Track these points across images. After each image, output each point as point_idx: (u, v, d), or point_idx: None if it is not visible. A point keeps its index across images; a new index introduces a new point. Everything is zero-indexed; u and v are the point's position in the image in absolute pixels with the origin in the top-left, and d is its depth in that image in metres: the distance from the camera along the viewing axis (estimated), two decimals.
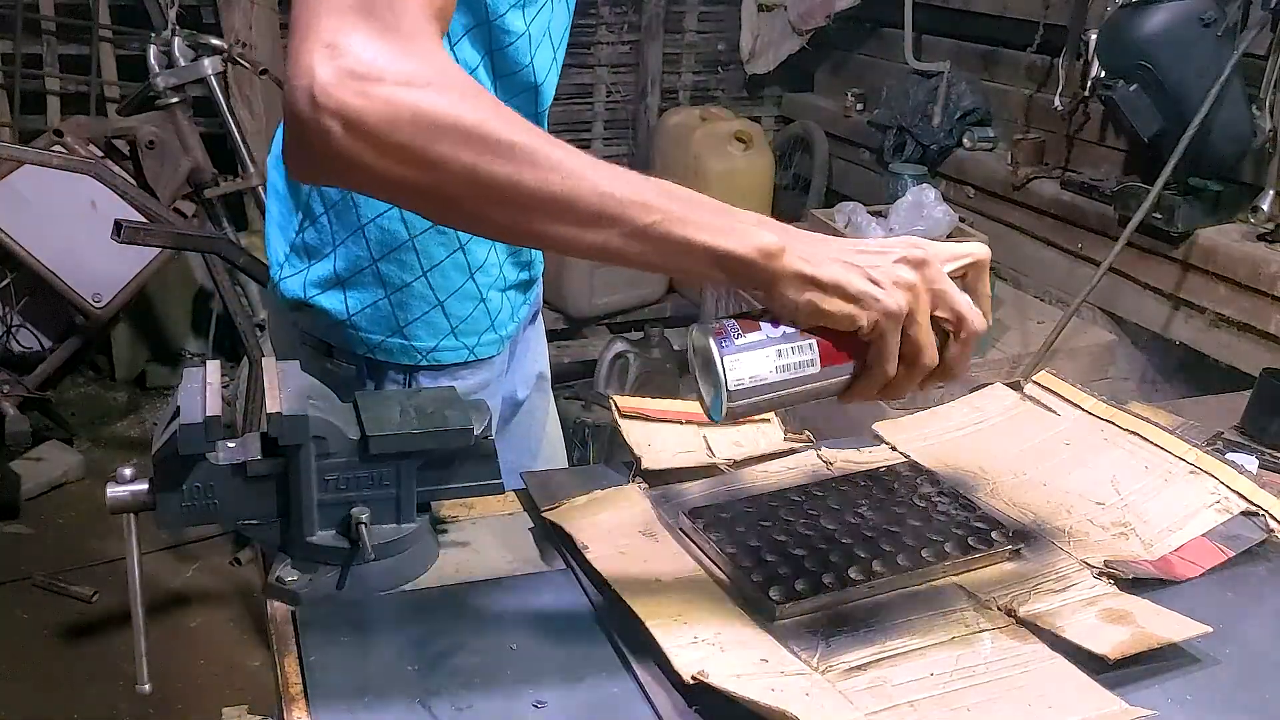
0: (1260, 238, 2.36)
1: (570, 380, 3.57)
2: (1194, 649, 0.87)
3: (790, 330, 0.81)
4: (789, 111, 4.37)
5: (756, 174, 3.90)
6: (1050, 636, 0.86)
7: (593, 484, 1.08)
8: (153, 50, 2.90)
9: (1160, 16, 2.31)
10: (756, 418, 1.17)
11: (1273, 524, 1.03)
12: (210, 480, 0.88)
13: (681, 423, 1.15)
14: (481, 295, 1.18)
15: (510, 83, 1.10)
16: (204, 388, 0.89)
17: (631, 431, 1.12)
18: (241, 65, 3.05)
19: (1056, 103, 2.85)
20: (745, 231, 0.79)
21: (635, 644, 0.85)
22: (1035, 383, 1.26)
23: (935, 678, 0.81)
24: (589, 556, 0.94)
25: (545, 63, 1.12)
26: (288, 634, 0.87)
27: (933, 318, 0.83)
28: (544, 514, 1.02)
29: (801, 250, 0.80)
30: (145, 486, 0.88)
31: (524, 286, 1.27)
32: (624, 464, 1.13)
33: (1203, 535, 1.00)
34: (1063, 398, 1.22)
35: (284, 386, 0.90)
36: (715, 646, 0.83)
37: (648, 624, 0.84)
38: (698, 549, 0.98)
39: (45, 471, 3.16)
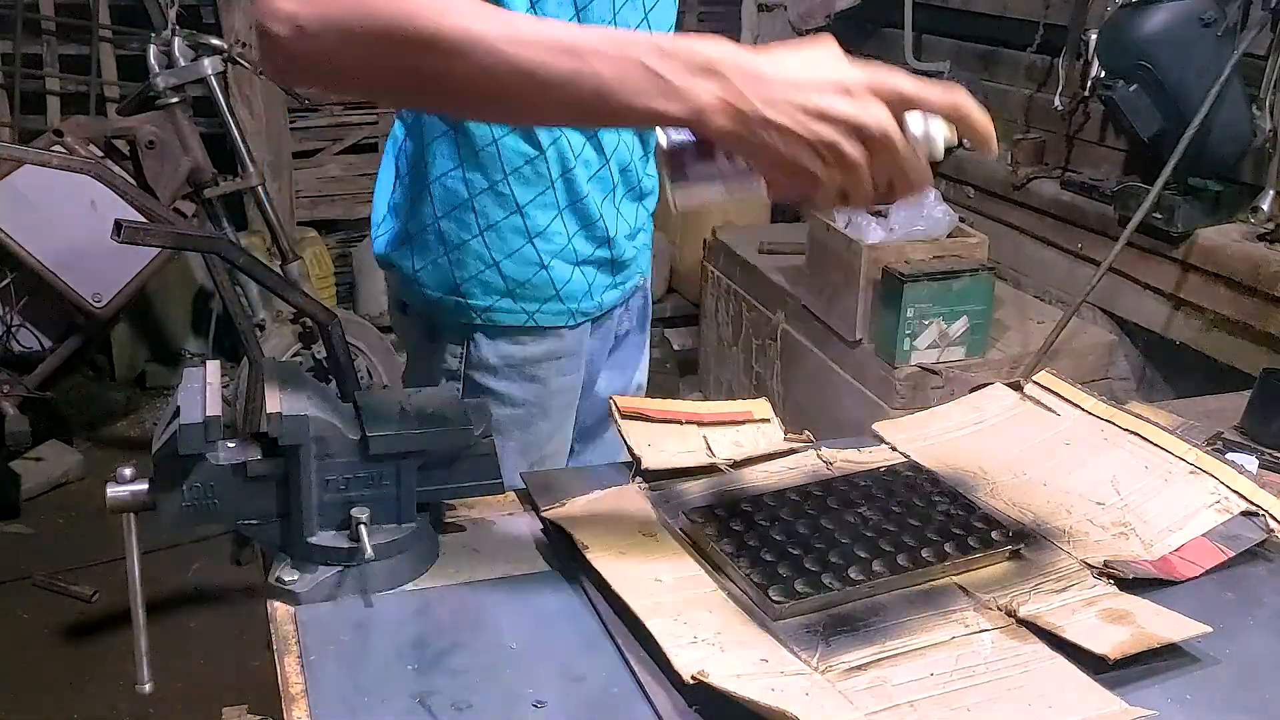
0: (1260, 238, 2.36)
1: None
2: (1194, 649, 0.87)
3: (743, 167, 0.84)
4: None
5: None
6: (1050, 636, 0.86)
7: (593, 484, 1.07)
8: (153, 50, 2.90)
9: (1160, 16, 2.31)
10: (756, 417, 1.19)
11: (1273, 524, 1.03)
12: (210, 480, 0.88)
13: (681, 423, 1.15)
14: (543, 262, 1.20)
15: None
16: (204, 388, 0.89)
17: (631, 431, 1.12)
18: (241, 65, 3.06)
19: (1056, 103, 2.84)
20: (682, 91, 0.77)
21: (635, 644, 0.85)
22: (1035, 383, 1.26)
23: (935, 678, 0.81)
24: (589, 556, 0.94)
25: None
26: (288, 634, 0.87)
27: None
28: (544, 514, 1.02)
29: (741, 104, 0.77)
30: (145, 486, 0.88)
31: (605, 265, 1.27)
32: (624, 464, 1.13)
33: (1203, 535, 1.00)
34: (1063, 398, 1.22)
35: (284, 386, 0.90)
36: (715, 646, 0.83)
37: (648, 624, 0.84)
38: (698, 549, 0.98)
39: (45, 471, 3.16)
